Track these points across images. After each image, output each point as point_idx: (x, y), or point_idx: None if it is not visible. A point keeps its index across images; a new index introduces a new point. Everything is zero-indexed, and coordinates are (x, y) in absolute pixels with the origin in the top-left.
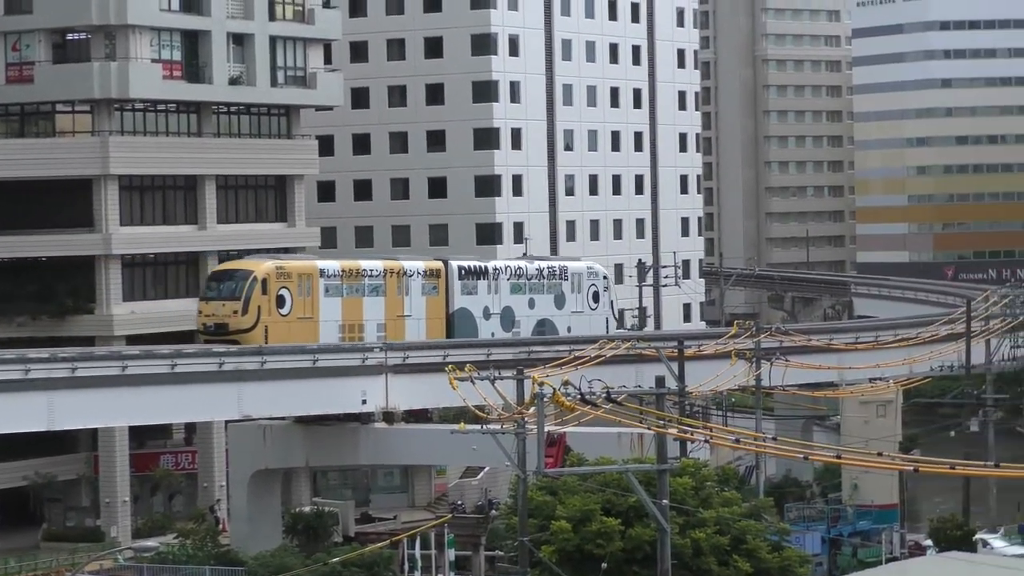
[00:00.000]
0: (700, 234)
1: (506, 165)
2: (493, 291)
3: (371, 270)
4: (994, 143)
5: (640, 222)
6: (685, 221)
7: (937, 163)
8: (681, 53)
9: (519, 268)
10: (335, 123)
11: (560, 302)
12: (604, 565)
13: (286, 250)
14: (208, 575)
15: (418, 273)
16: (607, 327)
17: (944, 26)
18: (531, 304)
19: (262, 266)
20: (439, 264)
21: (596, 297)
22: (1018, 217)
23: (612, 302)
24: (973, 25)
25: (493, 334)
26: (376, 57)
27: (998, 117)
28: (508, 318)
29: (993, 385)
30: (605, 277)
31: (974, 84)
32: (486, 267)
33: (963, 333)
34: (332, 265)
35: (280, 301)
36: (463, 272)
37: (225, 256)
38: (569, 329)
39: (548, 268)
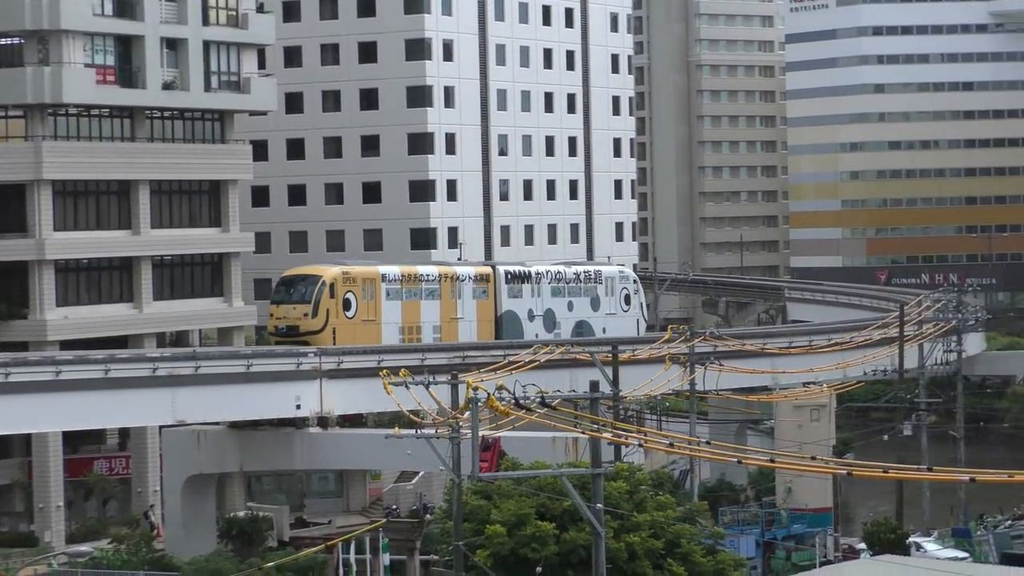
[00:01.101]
0: (634, 239)
1: (440, 170)
2: (536, 294)
3: (427, 275)
4: (927, 148)
5: (574, 227)
6: (619, 226)
7: (870, 168)
8: (615, 58)
9: (559, 272)
10: (269, 128)
11: (596, 304)
12: (539, 569)
13: (220, 256)
14: None
15: (469, 278)
16: (638, 328)
17: (877, 31)
18: (570, 307)
19: (330, 271)
20: (488, 269)
21: (628, 300)
22: (951, 222)
23: (642, 304)
24: (906, 30)
25: (537, 335)
26: (310, 62)
27: (931, 122)
28: (550, 320)
29: (926, 389)
30: (635, 281)
31: (907, 89)
32: (530, 272)
33: (896, 337)
34: (392, 270)
35: (346, 304)
36: (509, 276)
37: (159, 261)
38: (604, 330)
39: (584, 272)
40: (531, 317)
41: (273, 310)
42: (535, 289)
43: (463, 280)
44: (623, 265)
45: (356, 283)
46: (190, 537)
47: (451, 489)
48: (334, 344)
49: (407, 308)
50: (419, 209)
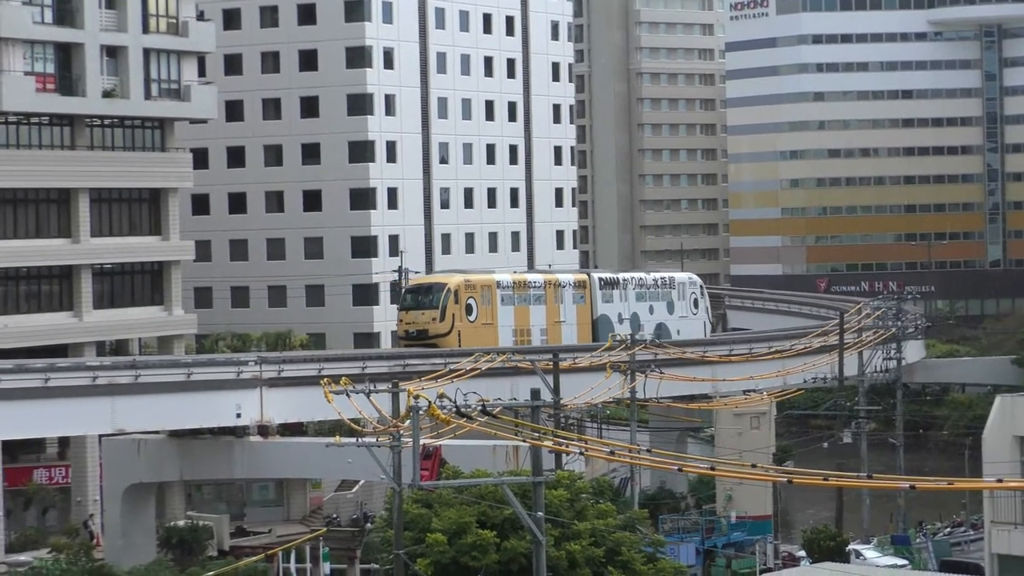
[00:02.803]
0: (575, 247)
1: (381, 178)
2: (623, 299)
3: (535, 282)
4: (866, 156)
5: (515, 235)
6: (560, 234)
7: (810, 176)
8: (556, 66)
9: (641, 279)
10: (209, 136)
11: (671, 308)
12: None
13: (160, 264)
14: None
15: (569, 284)
16: (704, 330)
17: (817, 40)
18: (651, 310)
19: (453, 279)
20: (584, 276)
21: (696, 303)
22: (890, 229)
23: (707, 308)
24: (845, 39)
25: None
26: (250, 70)
27: (870, 130)
28: (635, 322)
29: (866, 397)
30: (701, 287)
31: (847, 97)
32: (618, 278)
33: (836, 345)
34: (506, 278)
35: (468, 309)
36: (602, 283)
37: (99, 270)
38: (679, 332)
39: (661, 278)
40: (620, 320)
41: (402, 316)
42: (623, 294)
43: (564, 286)
44: (691, 273)
45: (476, 290)
46: (130, 546)
47: (392, 498)
48: (459, 345)
49: (518, 312)
50: (360, 217)
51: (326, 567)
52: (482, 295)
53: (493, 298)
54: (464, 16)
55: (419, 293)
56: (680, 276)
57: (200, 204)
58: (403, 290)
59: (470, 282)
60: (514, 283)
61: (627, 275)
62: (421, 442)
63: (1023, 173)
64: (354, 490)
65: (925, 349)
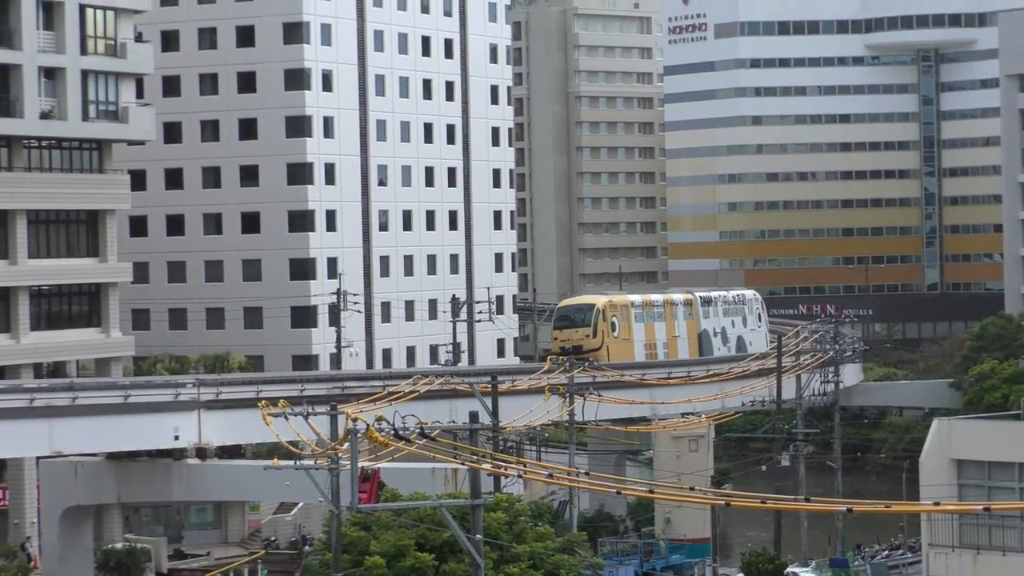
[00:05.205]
0: (514, 270)
1: (320, 200)
2: (716, 315)
3: (657, 302)
4: (804, 180)
5: (454, 257)
6: (499, 257)
7: (748, 199)
8: (495, 89)
9: (724, 297)
10: (147, 157)
11: (744, 322)
12: None
13: (98, 286)
14: None
15: (680, 303)
16: (766, 341)
17: (755, 64)
18: (732, 324)
19: (600, 300)
20: (690, 296)
21: (759, 317)
22: (827, 253)
23: (767, 321)
24: (783, 63)
25: (719, 349)
26: (189, 91)
27: (808, 154)
28: (724, 336)
29: (803, 420)
30: (762, 302)
31: (784, 121)
32: (711, 297)
33: (774, 368)
34: (637, 298)
35: (613, 326)
36: (703, 301)
37: (36, 291)
38: (750, 344)
39: (736, 295)
40: (715, 334)
41: (557, 334)
42: (715, 311)
43: (677, 305)
44: (754, 290)
45: (617, 309)
46: (67, 569)
47: (330, 520)
48: (608, 359)
49: (647, 329)
50: (298, 239)
51: None
52: (621, 314)
53: (629, 316)
54: (403, 39)
55: (572, 313)
56: (748, 293)
57: (138, 226)
58: (554, 312)
59: (613, 302)
60: (643, 303)
61: (715, 293)
62: (360, 465)
63: (960, 197)
64: (292, 513)
65: (863, 372)
